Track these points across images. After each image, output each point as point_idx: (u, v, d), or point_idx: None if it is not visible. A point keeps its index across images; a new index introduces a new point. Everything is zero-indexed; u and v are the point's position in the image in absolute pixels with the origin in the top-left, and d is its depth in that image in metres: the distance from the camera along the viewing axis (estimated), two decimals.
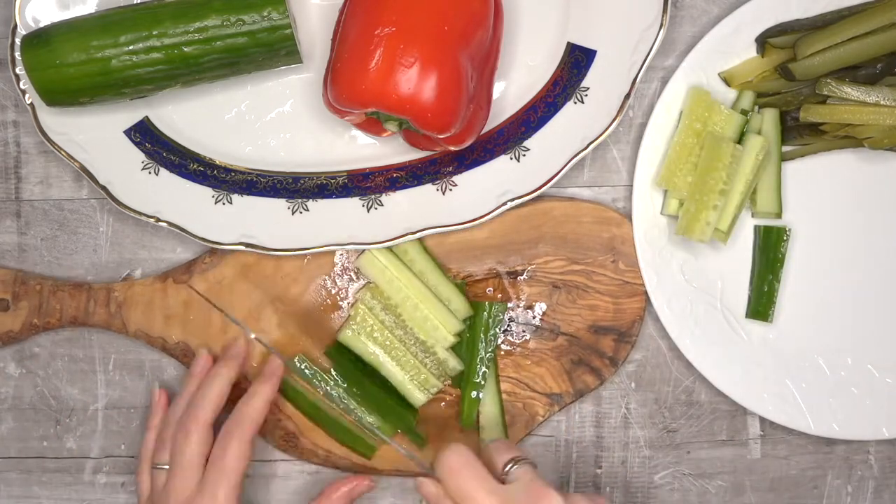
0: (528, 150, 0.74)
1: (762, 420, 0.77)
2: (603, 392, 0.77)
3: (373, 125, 0.72)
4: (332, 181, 0.75)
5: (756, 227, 0.76)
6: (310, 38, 0.75)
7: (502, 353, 0.76)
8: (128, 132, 0.75)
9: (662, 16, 0.72)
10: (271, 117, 0.75)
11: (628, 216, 0.75)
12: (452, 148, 0.71)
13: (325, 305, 0.76)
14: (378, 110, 0.67)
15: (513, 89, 0.75)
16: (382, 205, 0.74)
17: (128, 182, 0.74)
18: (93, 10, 0.73)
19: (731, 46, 0.74)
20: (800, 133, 0.74)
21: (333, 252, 0.76)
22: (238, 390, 0.73)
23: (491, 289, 0.76)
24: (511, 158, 0.74)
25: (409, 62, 0.65)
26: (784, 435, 0.77)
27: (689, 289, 0.75)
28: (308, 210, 0.74)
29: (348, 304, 0.76)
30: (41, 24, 0.72)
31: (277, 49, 0.70)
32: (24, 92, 0.73)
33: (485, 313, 0.75)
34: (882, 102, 0.71)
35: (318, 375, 0.75)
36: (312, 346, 0.76)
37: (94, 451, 0.78)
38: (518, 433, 0.76)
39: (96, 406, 0.78)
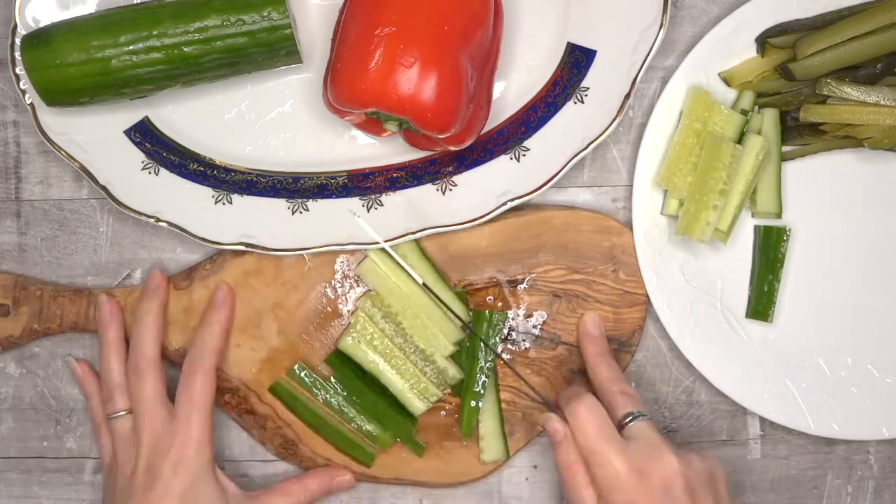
0: (528, 150, 0.74)
1: (762, 420, 0.77)
2: None
3: (373, 125, 0.72)
4: (332, 181, 0.75)
5: (756, 227, 0.76)
6: (310, 38, 0.75)
7: (501, 362, 0.76)
8: (128, 132, 0.75)
9: (662, 16, 0.72)
10: (271, 117, 0.75)
11: (628, 223, 0.75)
12: (452, 148, 0.71)
13: (325, 313, 0.76)
14: (378, 110, 0.67)
15: (513, 89, 0.75)
16: (382, 205, 0.74)
17: (128, 182, 0.74)
18: (93, 10, 0.73)
19: (731, 46, 0.74)
20: (800, 133, 0.74)
21: (334, 259, 0.75)
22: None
23: (491, 297, 0.76)
24: (511, 158, 0.74)
25: (409, 62, 0.65)
26: (784, 435, 0.77)
27: (689, 289, 0.75)
28: (308, 210, 0.74)
29: (348, 311, 0.76)
30: (41, 24, 0.72)
31: (277, 49, 0.70)
32: (24, 92, 0.73)
33: (485, 323, 0.75)
34: (882, 102, 0.71)
35: (318, 383, 0.75)
36: (312, 353, 0.76)
37: (94, 451, 0.78)
38: (517, 443, 0.76)
39: None
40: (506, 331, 0.75)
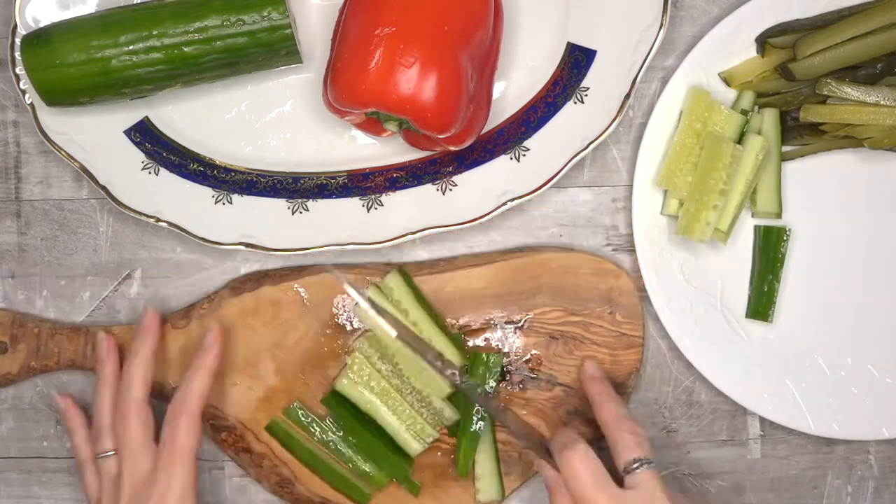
0: (528, 150, 0.74)
1: (762, 420, 0.77)
2: None
3: (373, 125, 0.72)
4: (332, 181, 0.75)
5: (756, 227, 0.76)
6: (310, 38, 0.75)
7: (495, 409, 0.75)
8: (128, 132, 0.75)
9: (662, 16, 0.72)
10: (271, 117, 0.75)
11: (626, 263, 0.75)
12: (452, 148, 0.71)
13: (322, 353, 0.76)
14: (378, 110, 0.67)
15: (513, 89, 0.75)
16: (382, 205, 0.74)
17: (128, 182, 0.74)
18: (93, 10, 0.73)
19: (731, 46, 0.74)
20: (800, 133, 0.74)
21: (332, 299, 0.75)
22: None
23: (488, 339, 0.76)
24: (511, 158, 0.74)
25: (409, 62, 0.65)
26: (784, 435, 0.77)
27: (689, 289, 0.75)
28: (308, 210, 0.74)
29: (346, 352, 0.76)
30: (41, 24, 0.72)
31: (277, 49, 0.70)
32: (24, 92, 0.73)
33: (481, 365, 0.75)
34: (882, 102, 0.71)
35: (314, 422, 0.75)
36: (309, 393, 0.76)
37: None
38: (513, 483, 0.76)
39: None
40: (499, 372, 0.75)
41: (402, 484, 0.75)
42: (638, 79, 0.72)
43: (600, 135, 0.73)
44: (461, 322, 0.75)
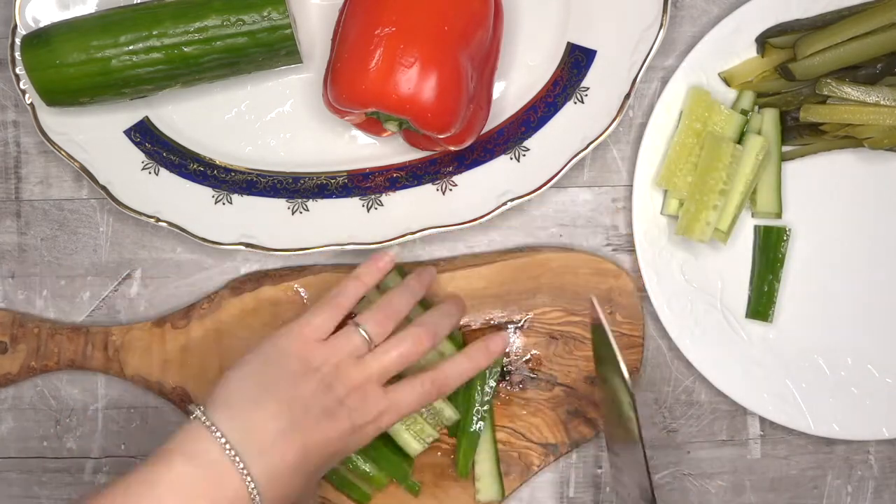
0: (528, 150, 0.74)
1: (762, 420, 0.77)
2: None
3: (373, 125, 0.72)
4: (332, 181, 0.75)
5: (756, 227, 0.76)
6: (310, 38, 0.75)
7: (498, 402, 0.75)
8: (128, 132, 0.75)
9: (662, 16, 0.72)
10: (271, 117, 0.75)
11: (626, 263, 0.75)
12: (452, 148, 0.71)
13: None
14: (378, 110, 0.67)
15: (513, 89, 0.75)
16: (382, 205, 0.74)
17: (128, 182, 0.74)
18: (93, 10, 0.73)
19: (731, 46, 0.74)
20: (800, 133, 0.74)
21: None
22: None
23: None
24: (511, 158, 0.74)
25: (409, 62, 0.65)
26: (784, 435, 0.77)
27: (689, 289, 0.75)
28: (308, 210, 0.74)
29: None
30: (41, 24, 0.72)
31: (277, 49, 0.70)
32: (24, 92, 0.73)
33: None
34: (882, 102, 0.71)
35: None
36: None
37: (94, 451, 0.78)
38: (513, 483, 0.76)
39: (96, 406, 0.78)
40: (498, 372, 0.75)
41: (402, 484, 0.75)
42: (638, 79, 0.72)
43: (600, 135, 0.73)
44: (461, 322, 0.75)
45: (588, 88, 0.73)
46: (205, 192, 0.74)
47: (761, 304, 0.75)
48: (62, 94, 0.70)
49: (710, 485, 0.78)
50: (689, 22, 0.76)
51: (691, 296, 0.75)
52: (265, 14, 0.69)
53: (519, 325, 0.75)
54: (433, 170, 0.75)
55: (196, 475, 0.59)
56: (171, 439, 0.61)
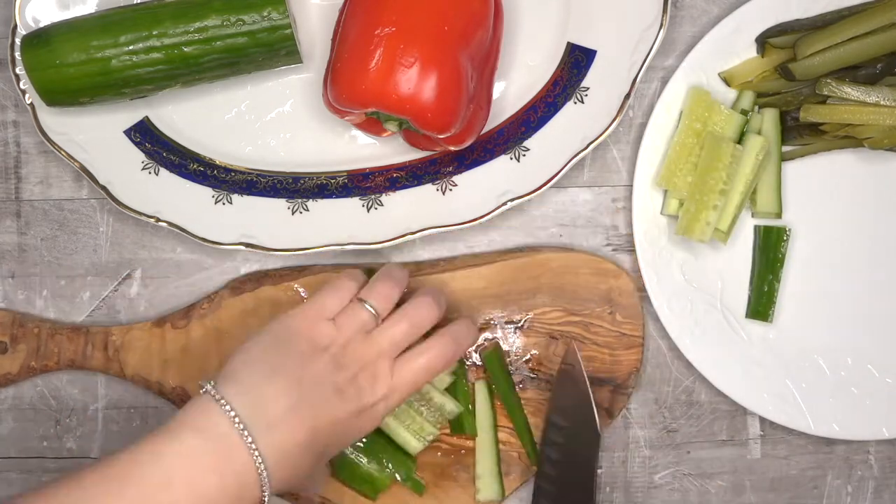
0: (528, 150, 0.74)
1: (762, 420, 0.77)
2: None
3: (373, 125, 0.72)
4: (332, 181, 0.75)
5: (756, 227, 0.76)
6: (310, 38, 0.75)
7: (499, 402, 0.75)
8: (128, 132, 0.75)
9: (662, 16, 0.72)
10: (271, 117, 0.75)
11: (626, 263, 0.75)
12: (452, 148, 0.71)
13: None
14: (378, 110, 0.67)
15: (513, 89, 0.75)
16: (382, 205, 0.74)
17: (128, 182, 0.74)
18: (93, 10, 0.73)
19: (731, 46, 0.74)
20: (800, 133, 0.74)
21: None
22: None
23: (487, 338, 0.76)
24: (511, 158, 0.74)
25: (409, 62, 0.65)
26: (784, 435, 0.77)
27: (689, 289, 0.75)
28: (308, 210, 0.74)
29: None
30: (41, 24, 0.72)
31: (277, 49, 0.70)
32: (24, 92, 0.73)
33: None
34: (882, 102, 0.71)
35: None
36: None
37: (94, 451, 0.78)
38: (513, 483, 0.75)
39: (96, 406, 0.78)
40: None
41: (406, 483, 0.75)
42: (638, 79, 0.72)
43: (600, 135, 0.73)
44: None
45: (588, 88, 0.73)
46: (205, 192, 0.74)
47: (761, 304, 0.75)
48: (62, 94, 0.70)
49: (710, 485, 0.78)
50: (689, 22, 0.76)
51: (691, 296, 0.75)
52: (265, 14, 0.69)
53: (519, 325, 0.75)
54: (433, 170, 0.75)
55: (204, 448, 0.59)
56: (181, 413, 0.61)
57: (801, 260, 0.76)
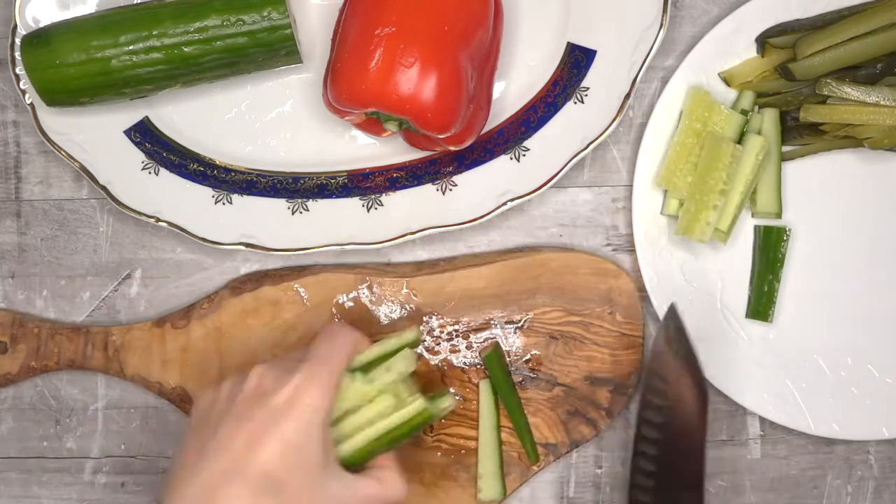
0: (528, 150, 0.74)
1: (762, 420, 0.77)
2: None
3: (373, 125, 0.72)
4: (332, 181, 0.75)
5: (756, 227, 0.76)
6: (310, 38, 0.75)
7: (500, 402, 0.76)
8: (128, 132, 0.75)
9: (662, 16, 0.72)
10: (271, 117, 0.75)
11: (626, 263, 0.75)
12: (452, 148, 0.71)
13: None
14: (378, 110, 0.67)
15: (513, 89, 0.75)
16: (382, 205, 0.74)
17: (128, 182, 0.74)
18: (93, 10, 0.73)
19: (731, 46, 0.74)
20: (800, 133, 0.74)
21: (331, 300, 0.75)
22: None
23: (487, 338, 0.76)
24: (511, 158, 0.74)
25: (409, 62, 0.65)
26: (784, 435, 0.77)
27: (689, 289, 0.75)
28: (308, 210, 0.74)
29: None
30: (41, 24, 0.72)
31: (277, 49, 0.70)
32: (24, 92, 0.73)
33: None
34: (882, 102, 0.71)
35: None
36: None
37: (94, 451, 0.78)
38: (513, 483, 0.75)
39: (96, 406, 0.78)
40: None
41: (434, 402, 0.68)
42: (638, 79, 0.72)
43: (600, 135, 0.73)
44: (461, 322, 0.75)
45: (588, 88, 0.73)
46: (205, 192, 0.75)
47: (761, 304, 0.75)
48: (62, 94, 0.70)
49: (710, 485, 0.78)
50: (689, 22, 0.76)
51: (691, 296, 0.75)
52: (265, 14, 0.69)
53: (519, 325, 0.75)
54: (433, 170, 0.75)
55: None
56: None
57: (801, 260, 0.76)
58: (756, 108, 0.74)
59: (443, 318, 0.75)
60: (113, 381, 0.78)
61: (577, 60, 0.74)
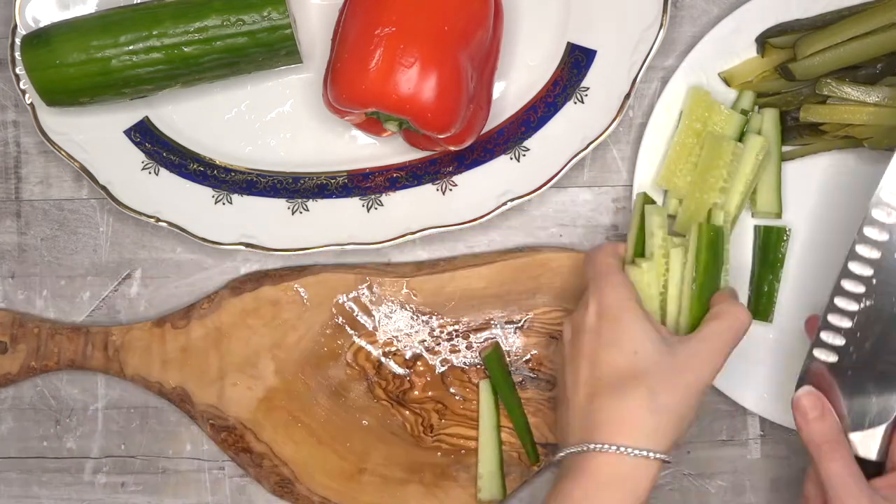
0: (528, 150, 0.74)
1: (762, 420, 0.77)
2: None
3: (373, 125, 0.72)
4: (332, 181, 0.75)
5: (756, 227, 0.76)
6: (310, 38, 0.75)
7: (500, 402, 0.76)
8: (128, 132, 0.75)
9: (662, 16, 0.72)
10: (271, 117, 0.75)
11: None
12: (452, 148, 0.71)
13: (322, 353, 0.75)
14: (378, 110, 0.67)
15: (513, 89, 0.75)
16: (382, 205, 0.74)
17: (128, 182, 0.74)
18: (93, 10, 0.73)
19: (731, 46, 0.74)
20: (800, 133, 0.74)
21: (332, 300, 0.75)
22: None
23: (487, 338, 0.76)
24: (511, 158, 0.74)
25: (409, 62, 0.65)
26: (784, 435, 0.77)
27: None
28: (308, 210, 0.74)
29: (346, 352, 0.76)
30: (41, 24, 0.72)
31: (277, 49, 0.70)
32: (24, 92, 0.73)
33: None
34: (882, 102, 0.71)
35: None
36: (309, 393, 0.75)
37: (94, 451, 0.78)
38: (513, 483, 0.75)
39: (96, 406, 0.78)
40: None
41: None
42: (638, 79, 0.72)
43: (600, 135, 0.73)
44: (461, 322, 0.75)
45: (588, 88, 0.73)
46: (205, 192, 0.75)
47: (761, 304, 0.75)
48: (62, 94, 0.70)
49: (710, 485, 0.78)
50: (689, 22, 0.76)
51: None
52: (265, 14, 0.69)
53: (519, 325, 0.75)
54: (433, 170, 0.75)
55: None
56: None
57: (801, 260, 0.76)
58: (756, 108, 0.74)
59: (443, 318, 0.75)
60: (113, 381, 0.78)
61: (577, 60, 0.74)
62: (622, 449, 0.61)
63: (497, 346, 0.75)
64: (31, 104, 0.73)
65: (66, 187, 0.78)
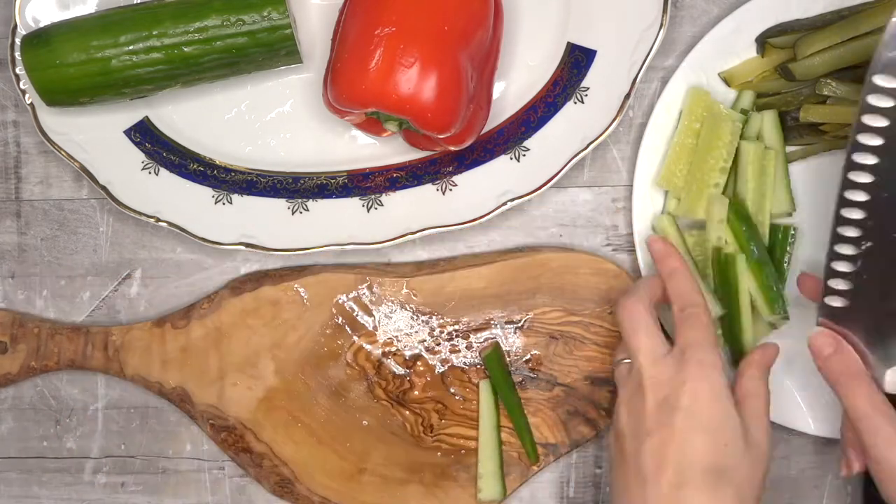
0: (528, 150, 0.74)
1: None
2: None
3: (373, 125, 0.72)
4: (332, 181, 0.75)
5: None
6: (310, 38, 0.75)
7: (500, 402, 0.76)
8: (128, 132, 0.75)
9: (662, 16, 0.72)
10: (271, 117, 0.75)
11: (626, 264, 0.75)
12: (452, 148, 0.71)
13: (322, 353, 0.76)
14: (378, 110, 0.67)
15: (513, 89, 0.75)
16: (382, 205, 0.74)
17: (128, 182, 0.74)
18: (93, 10, 0.73)
19: (731, 46, 0.74)
20: (800, 133, 0.74)
21: (332, 300, 0.75)
22: None
23: (487, 338, 0.76)
24: (511, 158, 0.74)
25: (409, 62, 0.65)
26: (784, 435, 0.77)
27: None
28: (308, 210, 0.74)
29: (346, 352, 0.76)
30: (41, 24, 0.72)
31: (277, 49, 0.70)
32: (24, 92, 0.73)
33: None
34: None
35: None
36: (309, 393, 0.75)
37: (94, 451, 0.78)
38: (513, 483, 0.75)
39: (96, 406, 0.78)
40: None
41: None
42: (638, 79, 0.72)
43: (600, 135, 0.73)
44: (461, 322, 0.75)
45: (588, 88, 0.73)
46: (205, 192, 0.75)
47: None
48: (62, 94, 0.70)
49: None
50: (689, 22, 0.76)
51: None
52: (265, 14, 0.69)
53: (519, 325, 0.75)
54: (433, 170, 0.75)
55: None
56: None
57: (803, 260, 0.76)
58: (754, 108, 0.74)
59: (443, 318, 0.75)
60: (113, 381, 0.78)
61: (577, 60, 0.74)
62: None
63: (497, 346, 0.75)
64: (31, 104, 0.73)
65: (66, 187, 0.78)
